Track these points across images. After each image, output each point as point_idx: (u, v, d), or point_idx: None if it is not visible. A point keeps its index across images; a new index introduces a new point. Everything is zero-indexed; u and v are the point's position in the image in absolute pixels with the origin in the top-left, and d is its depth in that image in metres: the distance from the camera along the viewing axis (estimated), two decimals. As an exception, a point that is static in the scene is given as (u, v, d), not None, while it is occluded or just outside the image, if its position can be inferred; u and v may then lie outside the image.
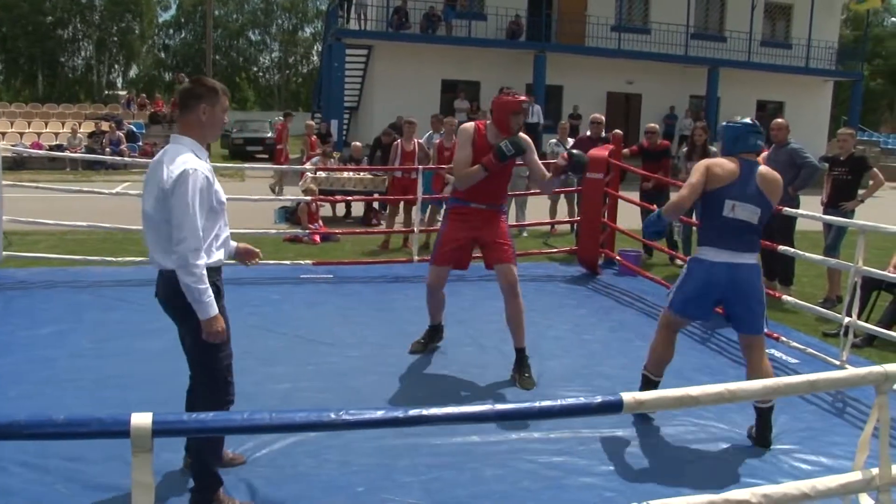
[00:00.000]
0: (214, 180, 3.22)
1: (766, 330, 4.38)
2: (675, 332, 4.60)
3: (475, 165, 5.19)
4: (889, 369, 2.42)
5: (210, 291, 3.12)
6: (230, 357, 3.37)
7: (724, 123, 4.51)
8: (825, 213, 7.57)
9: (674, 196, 4.38)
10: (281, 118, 18.09)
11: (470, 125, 5.44)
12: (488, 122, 5.37)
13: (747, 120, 4.43)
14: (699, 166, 4.33)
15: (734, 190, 4.20)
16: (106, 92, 49.32)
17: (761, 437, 4.27)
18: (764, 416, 4.27)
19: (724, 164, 4.27)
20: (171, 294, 3.21)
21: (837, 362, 5.47)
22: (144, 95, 31.42)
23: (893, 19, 54.43)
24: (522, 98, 5.31)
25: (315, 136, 15.69)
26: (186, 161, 3.10)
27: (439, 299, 5.71)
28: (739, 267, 4.21)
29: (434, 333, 5.89)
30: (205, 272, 3.11)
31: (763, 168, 4.31)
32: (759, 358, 4.34)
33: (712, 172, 4.25)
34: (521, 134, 5.32)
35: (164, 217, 3.13)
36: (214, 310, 3.15)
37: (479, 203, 5.33)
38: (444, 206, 5.84)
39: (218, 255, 3.27)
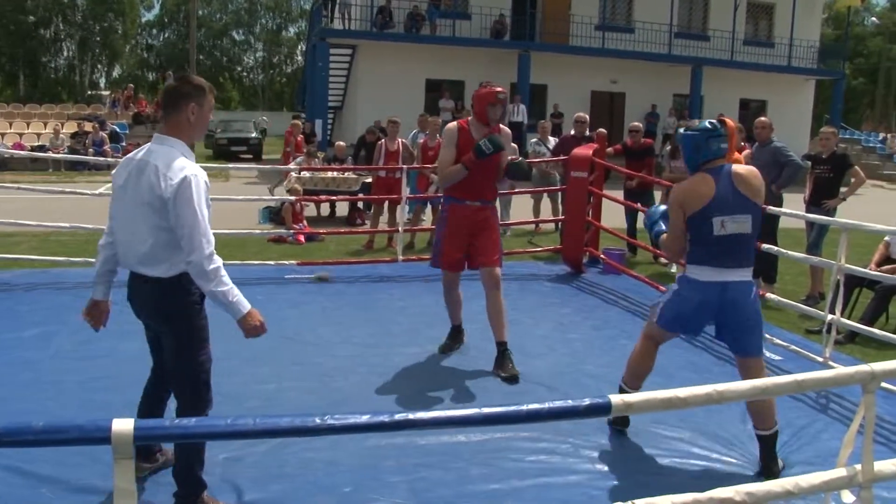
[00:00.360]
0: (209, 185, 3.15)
1: (764, 351, 4.04)
2: (657, 345, 4.34)
3: (457, 164, 5.30)
4: (876, 368, 2.43)
5: (236, 290, 3.07)
6: (210, 360, 3.34)
7: (681, 131, 4.17)
8: (808, 211, 7.61)
9: (665, 242, 4.17)
10: (263, 120, 17.96)
11: (454, 125, 5.52)
12: (470, 118, 5.44)
13: (705, 124, 4.06)
14: (672, 204, 4.01)
15: (717, 206, 3.86)
16: (89, 92, 48.97)
17: (766, 468, 3.93)
18: (767, 444, 3.95)
19: (696, 188, 3.92)
20: (158, 301, 3.16)
21: (820, 359, 5.50)
22: (132, 86, 31.18)
23: (874, 19, 54.85)
24: (498, 88, 5.37)
25: (301, 136, 15.66)
26: (185, 166, 3.02)
27: (455, 299, 5.82)
28: (733, 286, 3.92)
29: (456, 334, 5.93)
30: (225, 273, 3.05)
31: (736, 169, 3.98)
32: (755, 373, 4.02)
33: (687, 204, 3.92)
34: (504, 128, 5.44)
35: (158, 224, 3.05)
36: (247, 304, 3.11)
37: (473, 200, 5.44)
38: (440, 205, 5.88)
39: (218, 261, 3.21)
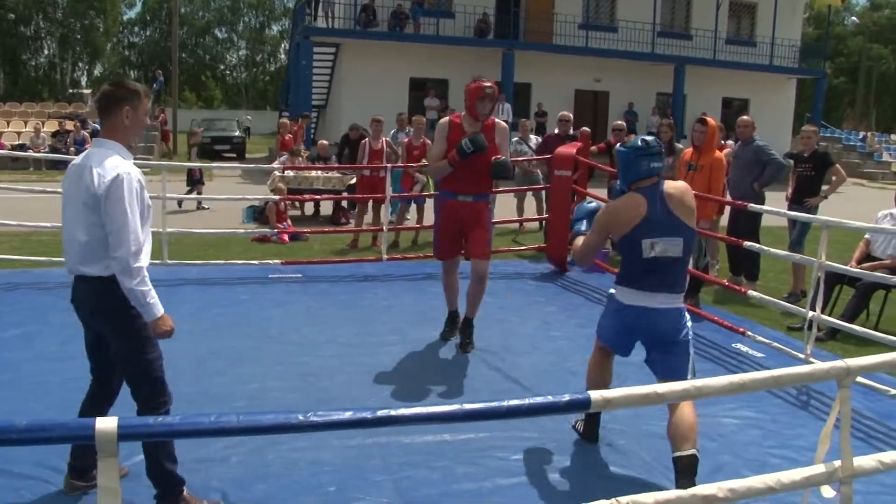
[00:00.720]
0: (145, 184, 3.19)
1: (690, 379, 3.59)
2: (607, 357, 4.13)
3: (444, 160, 5.45)
4: (851, 364, 2.46)
5: (154, 292, 3.12)
6: (161, 358, 3.35)
7: (618, 147, 3.94)
8: (790, 208, 7.67)
9: (578, 247, 4.02)
10: (247, 118, 17.84)
11: (446, 119, 5.68)
12: (464, 113, 5.53)
13: (637, 141, 3.77)
14: (597, 223, 3.88)
15: (647, 228, 3.65)
16: (70, 90, 48.61)
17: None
18: (682, 468, 3.50)
19: (626, 207, 3.71)
20: (98, 300, 3.19)
21: (802, 356, 5.55)
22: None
23: (854, 18, 55.29)
24: (486, 83, 5.44)
25: (290, 135, 15.61)
26: (117, 165, 3.08)
27: (450, 283, 6.02)
28: (656, 313, 3.70)
29: (452, 320, 6.11)
30: (146, 274, 3.10)
31: (668, 189, 3.73)
32: (677, 406, 3.66)
33: (614, 227, 3.77)
34: (500, 123, 5.59)
35: (94, 221, 3.10)
36: (160, 309, 3.15)
37: (466, 195, 5.54)
38: (434, 200, 6.00)
39: (145, 261, 3.21)
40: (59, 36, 52.15)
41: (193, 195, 13.14)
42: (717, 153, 7.39)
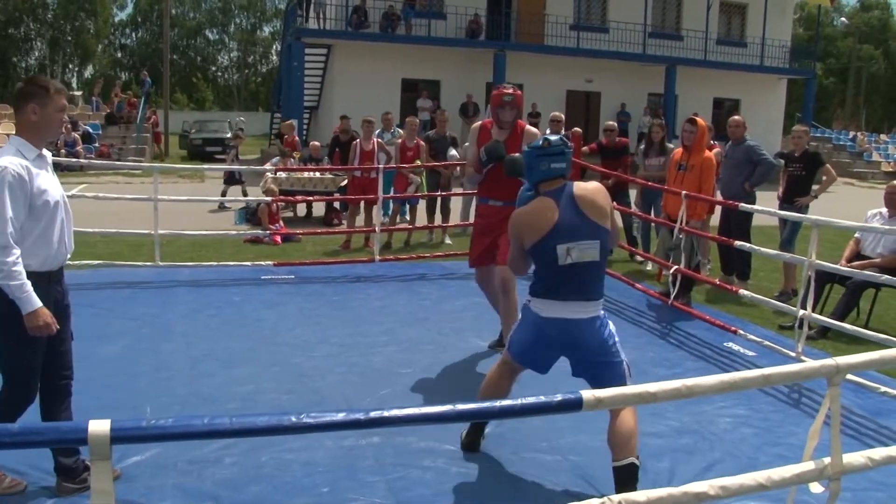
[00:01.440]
0: (35, 178, 3.17)
1: (628, 381, 3.52)
2: (513, 373, 3.88)
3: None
4: (841, 362, 2.48)
5: (27, 286, 3.09)
6: (38, 359, 3.29)
7: (524, 147, 3.79)
8: (780, 208, 7.70)
9: (508, 261, 3.86)
10: (240, 120, 17.87)
11: (478, 124, 5.70)
12: None
13: (538, 141, 3.63)
14: (510, 229, 3.66)
15: (560, 233, 3.45)
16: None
17: None
18: (621, 477, 3.38)
19: (535, 212, 3.53)
20: None
21: (793, 354, 5.58)
22: (101, 80, 30.74)
23: (843, 19, 55.53)
24: (507, 90, 5.43)
25: (296, 136, 15.69)
26: (1, 161, 3.10)
27: (489, 293, 5.85)
28: (578, 325, 3.50)
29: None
30: (17, 268, 3.07)
31: (578, 190, 3.54)
32: (617, 412, 3.51)
33: (525, 234, 3.55)
34: (530, 128, 5.50)
35: None
36: (37, 303, 3.12)
37: (496, 199, 5.50)
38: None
39: (42, 259, 3.22)
40: (50, 38, 51.99)
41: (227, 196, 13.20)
42: (707, 153, 7.42)
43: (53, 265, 3.31)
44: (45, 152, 3.34)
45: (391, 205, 10.54)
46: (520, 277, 4.63)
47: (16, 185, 3.09)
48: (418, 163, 10.14)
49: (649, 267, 9.21)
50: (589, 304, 3.52)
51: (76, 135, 21.78)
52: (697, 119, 7.50)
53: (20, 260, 3.09)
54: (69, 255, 3.44)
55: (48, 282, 3.28)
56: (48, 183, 3.26)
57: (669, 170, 7.62)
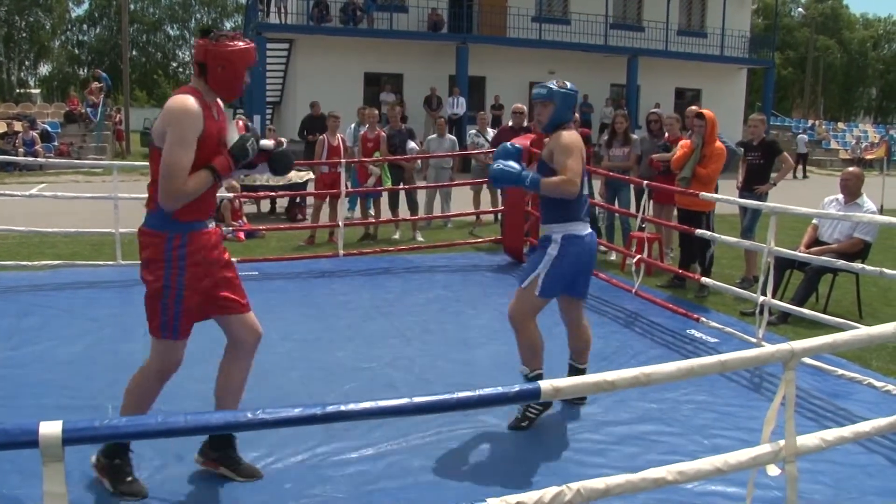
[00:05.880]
0: None
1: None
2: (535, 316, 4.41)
3: None
4: (795, 346, 2.51)
5: None
6: None
7: (553, 86, 4.34)
8: (740, 196, 7.80)
9: (568, 177, 4.13)
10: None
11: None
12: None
13: (574, 90, 4.39)
14: (574, 146, 4.21)
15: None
16: (18, 90, 47.49)
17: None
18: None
19: (580, 141, 4.33)
20: None
21: (754, 340, 5.64)
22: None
23: (800, 10, 56.29)
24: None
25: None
26: None
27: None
28: (594, 235, 4.39)
29: None
30: None
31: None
32: (581, 317, 4.52)
33: (582, 153, 4.30)
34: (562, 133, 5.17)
35: None
36: None
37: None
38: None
39: None
40: (3, 34, 50.92)
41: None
42: (719, 143, 7.53)
43: None
44: None
45: (357, 199, 10.50)
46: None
47: None
48: (377, 155, 10.13)
49: (613, 257, 9.28)
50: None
51: (35, 133, 21.38)
52: (704, 112, 7.57)
53: None
54: None
55: None
56: None
57: (677, 160, 7.58)
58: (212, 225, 3.46)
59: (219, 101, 3.44)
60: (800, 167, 25.91)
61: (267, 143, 3.67)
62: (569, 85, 4.35)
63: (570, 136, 4.22)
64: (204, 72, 3.30)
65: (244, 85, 3.39)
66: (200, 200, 3.29)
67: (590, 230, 4.33)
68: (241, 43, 3.33)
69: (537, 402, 4.13)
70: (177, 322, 3.45)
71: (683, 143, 7.66)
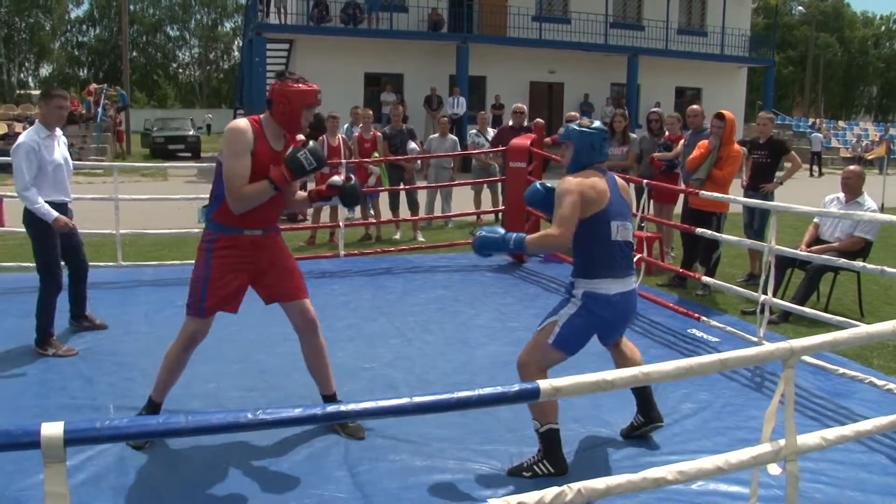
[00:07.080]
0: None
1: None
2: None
3: None
4: (794, 345, 2.51)
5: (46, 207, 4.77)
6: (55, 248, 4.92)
7: (574, 126, 3.84)
8: (745, 195, 7.79)
9: (551, 230, 3.65)
10: (208, 117, 17.52)
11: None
12: None
13: (600, 124, 3.88)
14: (569, 192, 3.63)
15: (612, 211, 3.68)
16: (18, 92, 47.46)
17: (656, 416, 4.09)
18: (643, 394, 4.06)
19: (595, 185, 3.67)
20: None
21: (755, 339, 5.64)
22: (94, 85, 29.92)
23: (800, 7, 56.26)
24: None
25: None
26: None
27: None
28: (634, 294, 3.83)
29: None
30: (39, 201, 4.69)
31: (616, 178, 3.89)
32: (622, 342, 4.10)
33: (592, 196, 3.64)
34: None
35: None
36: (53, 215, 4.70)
37: None
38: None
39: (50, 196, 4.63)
40: (3, 35, 50.91)
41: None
42: (736, 146, 7.54)
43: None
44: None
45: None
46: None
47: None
48: (376, 155, 10.13)
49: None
50: (633, 276, 3.85)
51: (34, 134, 21.34)
52: (725, 113, 7.56)
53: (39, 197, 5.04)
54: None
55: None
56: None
57: (696, 160, 7.55)
58: (258, 232, 4.00)
59: (289, 135, 3.97)
60: (815, 166, 26.00)
61: (337, 179, 4.36)
62: (595, 123, 3.86)
63: (572, 180, 3.68)
64: (269, 106, 3.86)
65: (304, 121, 3.84)
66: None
67: (626, 288, 3.74)
68: (302, 85, 3.83)
69: (552, 465, 3.69)
70: (202, 304, 4.01)
71: (700, 144, 7.64)
